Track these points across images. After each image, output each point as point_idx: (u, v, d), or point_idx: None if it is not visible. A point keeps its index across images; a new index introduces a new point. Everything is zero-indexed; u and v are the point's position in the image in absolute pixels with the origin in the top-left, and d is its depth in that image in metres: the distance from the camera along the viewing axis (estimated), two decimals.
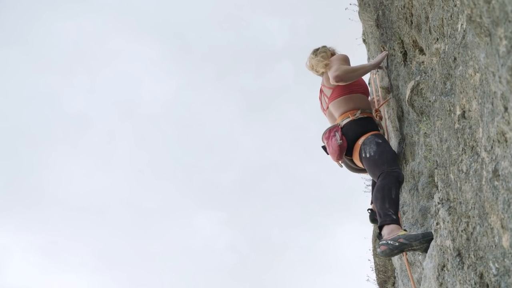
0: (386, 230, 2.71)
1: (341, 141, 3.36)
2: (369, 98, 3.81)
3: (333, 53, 3.76)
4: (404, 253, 2.77)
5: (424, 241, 2.54)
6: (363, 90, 3.62)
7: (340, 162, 3.53)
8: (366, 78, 4.21)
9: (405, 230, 2.71)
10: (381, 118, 3.68)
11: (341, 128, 3.45)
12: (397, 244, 2.56)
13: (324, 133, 3.58)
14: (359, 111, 3.44)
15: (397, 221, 2.74)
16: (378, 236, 2.82)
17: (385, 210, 2.80)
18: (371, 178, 3.43)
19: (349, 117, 3.46)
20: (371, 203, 3.47)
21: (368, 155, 3.19)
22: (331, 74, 3.41)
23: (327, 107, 3.69)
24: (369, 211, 3.54)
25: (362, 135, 3.34)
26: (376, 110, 3.72)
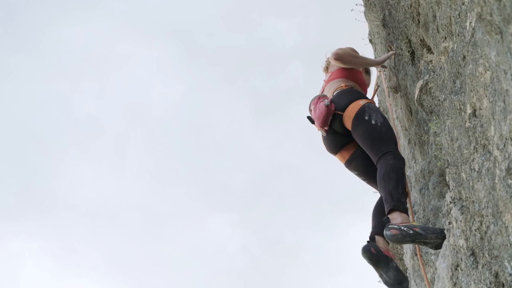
0: (398, 217, 2.50)
1: (328, 103, 3.06)
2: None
3: None
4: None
5: (440, 237, 2.42)
6: (363, 86, 3.48)
7: (325, 129, 3.15)
8: (372, 78, 4.20)
9: (413, 221, 2.57)
10: None
11: (332, 98, 3.21)
12: (411, 232, 2.36)
13: (312, 100, 3.31)
14: (352, 83, 3.33)
15: (407, 212, 2.57)
16: (385, 219, 2.54)
17: (398, 195, 2.58)
18: (365, 150, 3.03)
19: (342, 88, 3.27)
20: (373, 232, 2.88)
21: (374, 122, 2.90)
22: (332, 52, 3.30)
23: (322, 90, 3.52)
24: (370, 243, 2.85)
25: (357, 100, 3.08)
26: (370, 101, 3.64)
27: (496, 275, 1.76)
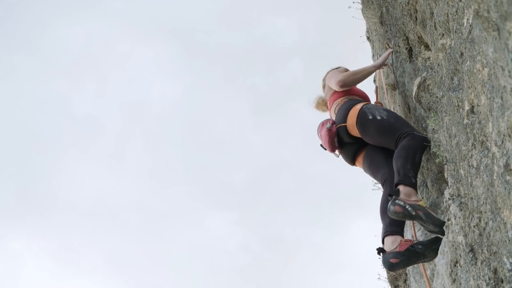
0: (403, 190, 2.45)
1: (330, 125, 3.13)
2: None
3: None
4: None
5: (438, 228, 2.35)
6: (361, 96, 3.49)
7: (336, 151, 3.26)
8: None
9: (422, 198, 2.50)
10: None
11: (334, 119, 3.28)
12: (414, 213, 2.33)
13: (318, 128, 3.40)
14: (349, 97, 3.35)
15: (415, 185, 2.51)
16: (395, 192, 2.46)
17: (405, 170, 2.53)
18: (379, 146, 3.01)
19: (340, 104, 3.34)
20: (383, 238, 2.60)
21: (379, 118, 2.88)
22: (333, 81, 3.34)
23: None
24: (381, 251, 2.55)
25: (354, 106, 3.12)
26: (377, 102, 3.63)
27: (495, 271, 1.76)
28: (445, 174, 2.53)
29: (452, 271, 2.30)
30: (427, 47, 2.97)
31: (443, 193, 2.81)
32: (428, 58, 2.88)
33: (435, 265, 2.84)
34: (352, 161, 3.27)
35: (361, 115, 2.98)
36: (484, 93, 1.76)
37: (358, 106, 3.06)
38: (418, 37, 3.01)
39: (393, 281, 5.55)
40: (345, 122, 3.08)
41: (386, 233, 2.56)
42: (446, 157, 2.43)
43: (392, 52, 3.65)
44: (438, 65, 2.53)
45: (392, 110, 4.05)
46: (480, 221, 1.90)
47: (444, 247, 2.45)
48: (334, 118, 3.37)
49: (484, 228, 1.85)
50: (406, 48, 3.31)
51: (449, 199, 2.41)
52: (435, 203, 2.98)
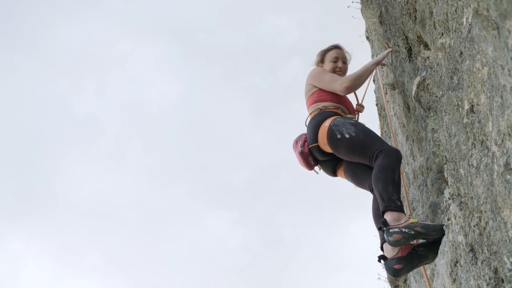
0: (390, 217, 2.43)
1: (301, 148, 3.11)
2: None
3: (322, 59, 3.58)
4: None
5: (439, 233, 2.37)
6: (339, 98, 3.30)
7: (316, 168, 3.23)
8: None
9: (410, 217, 2.48)
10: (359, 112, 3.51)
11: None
12: (413, 232, 2.31)
13: (293, 143, 3.33)
14: (321, 106, 3.21)
15: (401, 208, 2.50)
16: (383, 221, 2.44)
17: (388, 194, 2.51)
18: (351, 161, 2.98)
19: (310, 116, 3.26)
20: (382, 245, 2.60)
21: (348, 136, 2.83)
22: (337, 86, 3.20)
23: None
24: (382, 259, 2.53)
25: (322, 123, 3.03)
26: (358, 105, 3.49)
27: (496, 271, 1.76)
28: (445, 174, 2.52)
29: (452, 271, 2.30)
30: (426, 46, 2.96)
31: (443, 193, 2.80)
32: (428, 57, 2.87)
33: (435, 265, 2.83)
34: (333, 174, 3.25)
35: (330, 134, 2.92)
36: (484, 92, 1.76)
37: (326, 124, 2.98)
38: (418, 37, 3.01)
39: (393, 281, 5.55)
40: (317, 141, 3.03)
41: (384, 240, 2.52)
42: (446, 156, 2.42)
43: (391, 51, 3.60)
44: (438, 64, 2.53)
45: (387, 114, 4.01)
46: (480, 220, 1.89)
47: (444, 247, 2.45)
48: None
49: (484, 227, 1.85)
50: (406, 48, 3.31)
51: (449, 198, 2.40)
52: (435, 203, 2.98)
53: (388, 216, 2.45)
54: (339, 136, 2.86)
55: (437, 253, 2.44)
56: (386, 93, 4.26)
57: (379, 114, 5.61)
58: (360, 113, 3.52)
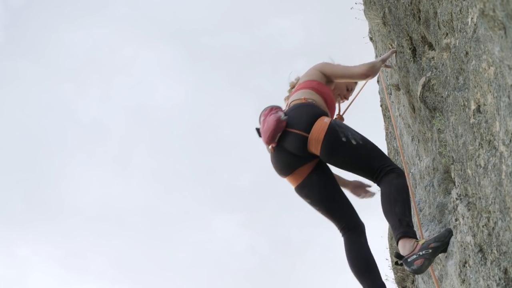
0: (407, 244, 2.24)
1: (285, 117, 2.61)
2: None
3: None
4: None
5: (449, 236, 2.25)
6: (330, 104, 2.98)
7: (272, 146, 2.69)
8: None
9: (417, 239, 2.30)
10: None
11: (287, 111, 2.75)
12: (430, 251, 2.17)
13: (263, 111, 2.82)
14: (316, 98, 2.83)
15: (416, 236, 2.33)
16: (396, 255, 2.27)
17: (407, 219, 2.32)
18: (330, 174, 2.74)
19: (301, 101, 2.79)
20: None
21: (355, 142, 2.50)
22: (358, 70, 2.93)
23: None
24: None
25: (320, 117, 2.62)
26: (339, 116, 3.20)
27: (506, 271, 1.75)
28: (452, 174, 2.52)
29: (461, 271, 2.29)
30: (431, 46, 2.95)
31: (450, 193, 2.80)
32: (433, 57, 2.87)
33: (443, 266, 2.82)
34: (286, 173, 2.75)
35: (332, 133, 2.53)
36: (490, 92, 1.75)
37: (326, 120, 2.59)
38: (422, 37, 3.00)
39: (400, 282, 5.53)
40: (308, 132, 2.57)
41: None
42: (452, 157, 2.42)
43: (395, 51, 3.56)
44: (443, 64, 2.52)
45: (391, 115, 3.94)
46: (489, 221, 1.89)
47: (452, 248, 2.44)
48: (286, 109, 2.88)
49: (493, 228, 1.84)
50: (410, 48, 3.30)
51: (456, 199, 2.40)
52: (442, 203, 2.97)
53: (404, 243, 2.27)
54: (344, 140, 2.51)
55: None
56: (390, 94, 4.26)
57: (384, 115, 5.61)
58: None
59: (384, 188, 2.47)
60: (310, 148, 2.59)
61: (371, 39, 5.42)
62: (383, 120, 5.69)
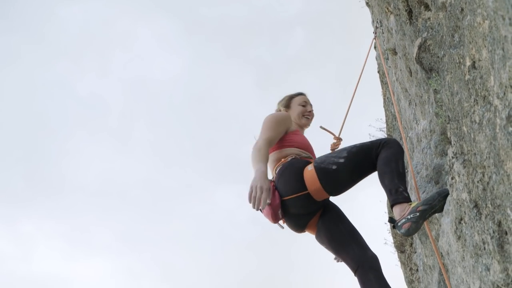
0: (399, 209, 2.38)
1: (269, 201, 2.54)
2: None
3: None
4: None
5: (441, 198, 2.42)
6: (306, 148, 3.04)
7: (280, 222, 2.78)
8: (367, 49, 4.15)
9: (411, 203, 2.43)
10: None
11: (275, 182, 2.79)
12: (418, 214, 2.28)
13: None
14: (294, 156, 2.90)
15: (409, 199, 2.45)
16: (390, 220, 2.42)
17: (395, 186, 2.45)
18: (337, 218, 2.81)
19: (282, 163, 2.86)
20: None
21: (342, 160, 2.63)
22: (259, 139, 2.83)
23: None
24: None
25: (304, 168, 2.71)
26: (337, 141, 3.37)
27: (499, 224, 1.78)
28: (448, 133, 2.53)
29: (457, 228, 2.33)
30: (427, 7, 2.92)
31: (447, 154, 2.81)
32: (429, 18, 2.84)
33: (440, 225, 2.86)
34: (301, 229, 2.87)
35: (323, 173, 2.62)
36: (485, 46, 1.75)
37: (310, 168, 2.68)
38: None
39: (399, 246, 5.62)
40: (304, 190, 2.64)
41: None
42: (448, 116, 2.43)
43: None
44: (439, 24, 2.50)
45: (388, 81, 3.92)
46: (483, 176, 1.91)
47: (448, 206, 2.47)
48: (273, 175, 2.91)
49: (487, 182, 1.86)
50: (406, 10, 3.27)
51: (452, 157, 2.42)
52: (439, 165, 2.99)
53: (397, 209, 2.40)
54: (334, 167, 2.61)
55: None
56: (387, 59, 4.23)
57: (381, 81, 5.59)
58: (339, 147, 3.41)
59: (377, 166, 2.61)
60: (317, 198, 2.69)
61: (367, 4, 5.35)
62: (380, 87, 5.68)
